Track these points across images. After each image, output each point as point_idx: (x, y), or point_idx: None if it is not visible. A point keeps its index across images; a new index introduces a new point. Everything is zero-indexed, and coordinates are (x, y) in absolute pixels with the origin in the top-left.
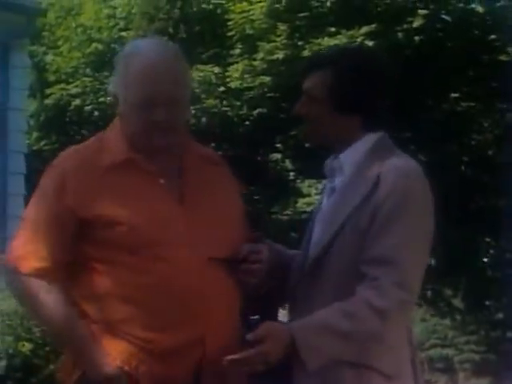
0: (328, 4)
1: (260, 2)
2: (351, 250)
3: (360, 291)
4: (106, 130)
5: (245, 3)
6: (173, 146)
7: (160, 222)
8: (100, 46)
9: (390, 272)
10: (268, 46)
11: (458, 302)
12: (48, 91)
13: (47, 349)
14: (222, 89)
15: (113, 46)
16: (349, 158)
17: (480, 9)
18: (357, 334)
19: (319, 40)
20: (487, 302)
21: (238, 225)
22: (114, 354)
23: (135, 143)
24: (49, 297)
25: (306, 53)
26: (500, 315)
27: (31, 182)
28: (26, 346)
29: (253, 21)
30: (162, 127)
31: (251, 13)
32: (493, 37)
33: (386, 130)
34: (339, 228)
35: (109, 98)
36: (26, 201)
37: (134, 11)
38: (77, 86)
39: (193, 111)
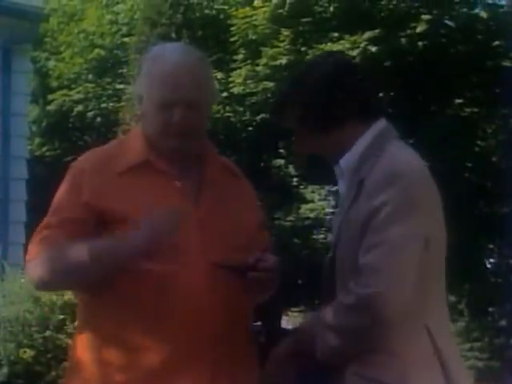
0: (331, 9)
1: (263, 7)
2: (348, 254)
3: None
4: (128, 134)
5: (248, 8)
6: (190, 150)
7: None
8: (102, 52)
9: (360, 277)
10: (271, 52)
11: (461, 309)
12: (50, 97)
13: (49, 355)
14: (224, 94)
15: (115, 51)
16: (346, 161)
17: (484, 14)
18: (341, 328)
19: (322, 45)
20: (491, 309)
21: (251, 235)
22: (116, 365)
23: (154, 145)
24: (62, 247)
25: (309, 58)
26: (503, 322)
27: (33, 187)
28: (28, 353)
29: (256, 26)
30: (179, 130)
31: (254, 18)
32: (496, 42)
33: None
34: (337, 234)
35: (111, 104)
36: (28, 206)
37: (136, 17)
38: (79, 92)
39: None
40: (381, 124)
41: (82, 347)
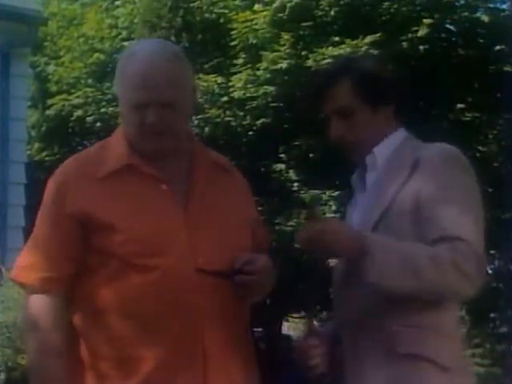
0: (332, 13)
1: (263, 11)
2: (397, 234)
3: (442, 251)
4: (110, 137)
5: (248, 12)
6: (169, 151)
7: (161, 231)
8: (102, 56)
9: (463, 244)
10: (271, 56)
11: (462, 315)
12: (50, 102)
13: None
14: (225, 99)
15: (115, 56)
16: (382, 150)
17: (485, 18)
18: (432, 281)
19: (323, 49)
20: (492, 315)
21: (244, 235)
22: (107, 375)
23: (134, 146)
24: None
25: (309, 62)
26: (505, 328)
27: (32, 192)
28: (26, 359)
29: (256, 30)
30: (154, 131)
31: (254, 22)
32: (498, 47)
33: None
34: (382, 214)
35: (111, 109)
36: (26, 211)
37: (136, 21)
38: (79, 97)
39: (196, 121)
40: (405, 132)
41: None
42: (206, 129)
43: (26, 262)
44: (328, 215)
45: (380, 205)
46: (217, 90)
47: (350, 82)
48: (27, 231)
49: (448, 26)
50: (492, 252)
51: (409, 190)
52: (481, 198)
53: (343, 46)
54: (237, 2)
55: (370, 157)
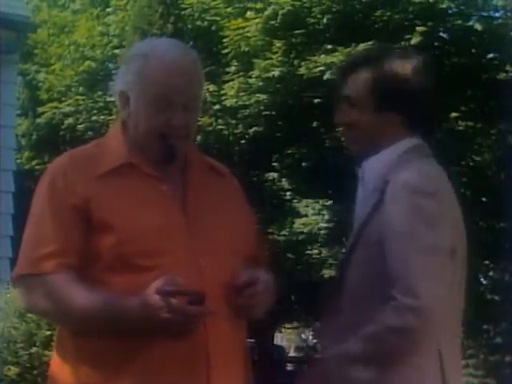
0: (324, 21)
1: (255, 18)
2: (363, 265)
3: (379, 313)
4: (105, 137)
5: (240, 20)
6: (182, 152)
7: (161, 231)
8: (93, 64)
9: (401, 287)
10: (264, 64)
11: None
12: (40, 110)
13: (35, 372)
14: (217, 107)
15: (106, 63)
16: (371, 166)
17: (478, 26)
18: (378, 356)
19: (316, 57)
20: (486, 326)
21: (248, 238)
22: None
23: (141, 146)
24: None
25: (302, 70)
26: (499, 339)
27: (21, 201)
28: (13, 370)
29: (248, 38)
30: (178, 132)
31: (246, 30)
32: (491, 55)
33: (425, 137)
34: (354, 243)
35: (102, 117)
36: (15, 220)
37: (127, 28)
38: (69, 105)
39: None
40: (416, 141)
41: (62, 366)
42: (198, 137)
43: (37, 252)
44: (321, 225)
45: (353, 235)
46: (209, 98)
47: (368, 75)
48: (16, 240)
49: (441, 34)
50: (486, 262)
51: (376, 218)
52: (448, 224)
53: (336, 53)
54: (229, 10)
55: (360, 170)
